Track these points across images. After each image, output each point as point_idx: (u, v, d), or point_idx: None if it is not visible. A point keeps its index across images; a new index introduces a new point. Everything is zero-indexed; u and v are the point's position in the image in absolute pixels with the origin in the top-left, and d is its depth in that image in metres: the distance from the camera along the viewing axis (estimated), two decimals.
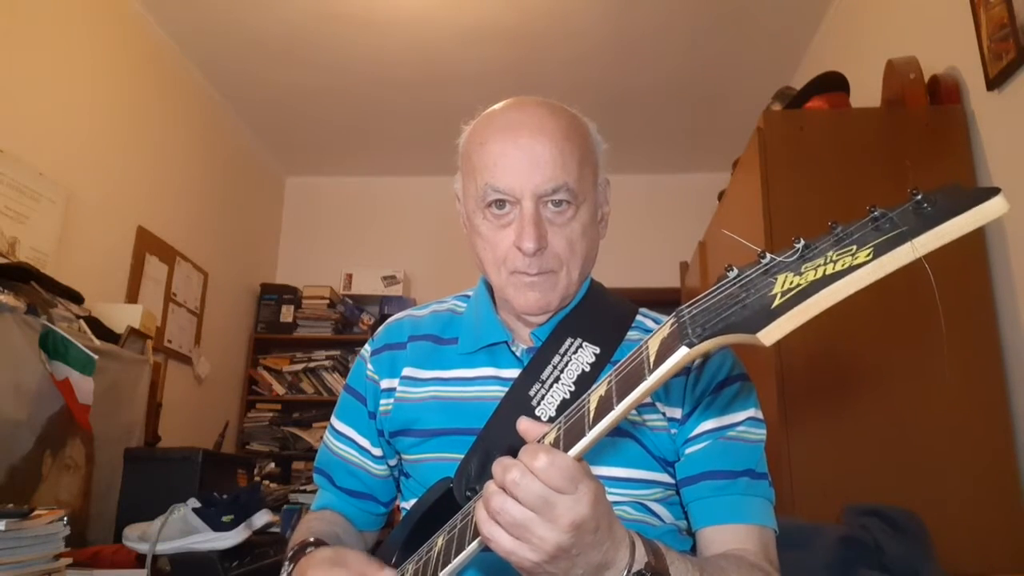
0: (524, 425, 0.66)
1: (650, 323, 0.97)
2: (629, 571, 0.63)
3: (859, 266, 0.46)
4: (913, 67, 2.03)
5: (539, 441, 0.63)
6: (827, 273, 0.47)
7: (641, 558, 0.64)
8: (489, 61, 3.54)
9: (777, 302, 0.48)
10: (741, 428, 0.87)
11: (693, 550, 0.88)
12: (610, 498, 0.84)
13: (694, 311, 0.54)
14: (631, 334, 0.94)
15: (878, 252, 0.46)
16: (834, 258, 0.48)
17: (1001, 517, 1.65)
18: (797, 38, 3.31)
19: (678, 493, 0.88)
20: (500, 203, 0.87)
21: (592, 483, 0.61)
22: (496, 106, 0.94)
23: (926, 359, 1.74)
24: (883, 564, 1.26)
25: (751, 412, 0.89)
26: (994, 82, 1.82)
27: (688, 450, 0.87)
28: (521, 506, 0.59)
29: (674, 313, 0.57)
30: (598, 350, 0.90)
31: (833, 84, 2.19)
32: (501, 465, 0.61)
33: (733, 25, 3.25)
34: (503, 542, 0.61)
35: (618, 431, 0.86)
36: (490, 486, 0.62)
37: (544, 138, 0.86)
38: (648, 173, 4.55)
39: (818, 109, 2.11)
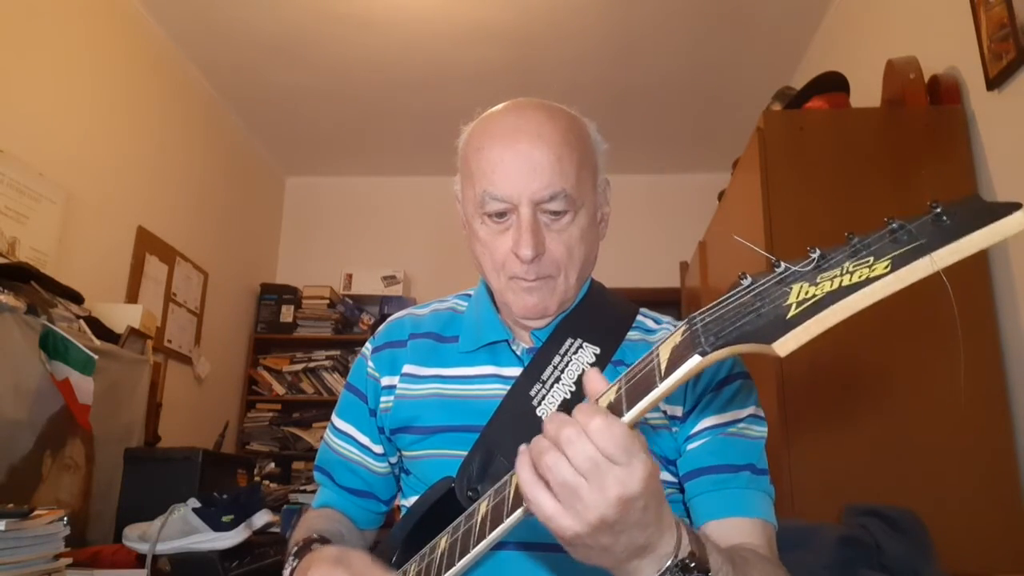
0: (591, 374, 0.62)
1: (650, 323, 0.97)
2: (675, 558, 0.60)
3: (876, 278, 0.45)
4: (913, 67, 2.03)
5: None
6: (843, 284, 0.46)
7: (686, 547, 0.61)
8: (489, 61, 3.54)
9: (792, 312, 0.47)
10: (742, 424, 0.88)
11: None
12: None
13: (707, 319, 0.53)
14: (631, 334, 0.94)
15: (896, 265, 0.45)
16: (850, 269, 0.47)
17: (1001, 517, 1.65)
18: (797, 38, 3.31)
19: (680, 491, 0.88)
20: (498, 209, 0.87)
21: (648, 458, 0.57)
22: (494, 109, 0.94)
23: (926, 359, 1.74)
24: (883, 564, 1.26)
25: (752, 409, 0.89)
26: (994, 82, 1.82)
27: (689, 447, 0.87)
28: (572, 467, 0.56)
29: (686, 320, 0.56)
30: (598, 350, 0.90)
31: (833, 84, 2.19)
32: (556, 421, 0.57)
33: (733, 25, 3.25)
34: (545, 505, 0.57)
35: None
36: (540, 441, 0.58)
37: (542, 144, 0.86)
38: (648, 173, 4.55)
39: (818, 109, 2.11)
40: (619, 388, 0.59)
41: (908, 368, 1.75)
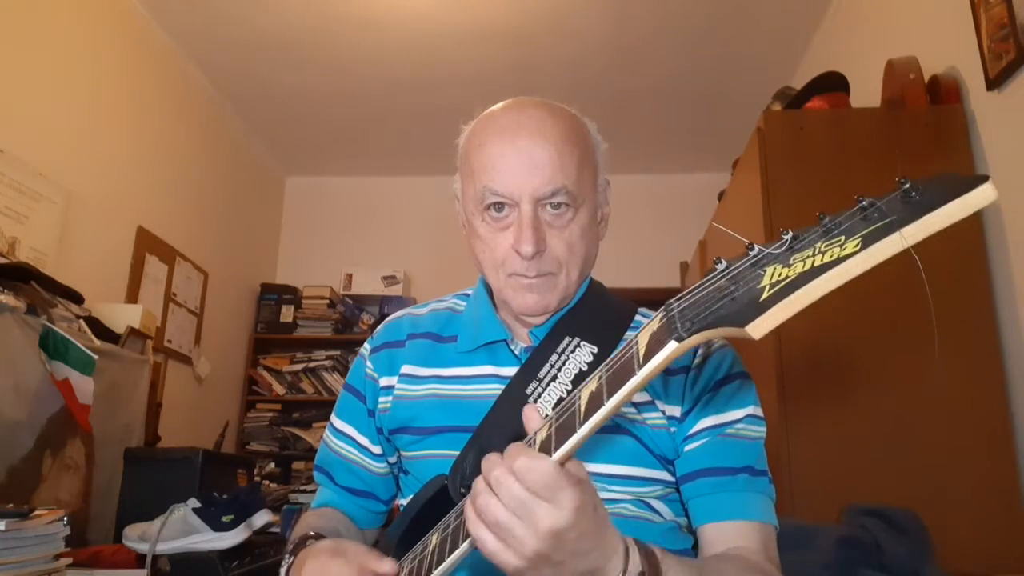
0: (528, 412, 0.65)
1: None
2: None
3: (847, 257, 0.45)
4: (913, 67, 2.03)
5: (532, 437, 0.63)
6: (815, 264, 0.46)
7: (635, 567, 0.63)
8: (489, 61, 3.54)
9: (766, 294, 0.47)
10: (740, 425, 0.87)
11: (694, 547, 0.88)
12: (610, 495, 0.84)
13: (683, 305, 0.53)
14: (629, 333, 0.94)
15: (866, 242, 0.45)
16: (822, 249, 0.47)
17: (1001, 517, 1.65)
18: (797, 38, 3.30)
19: (678, 491, 0.88)
20: (498, 206, 0.87)
21: (574, 491, 0.58)
22: (495, 107, 0.94)
23: (926, 358, 1.74)
24: (883, 564, 1.25)
25: (750, 410, 0.89)
26: (994, 82, 1.82)
27: (687, 447, 0.87)
28: (503, 507, 0.59)
29: (663, 307, 0.56)
30: (596, 349, 0.90)
31: (833, 84, 2.19)
32: (488, 462, 0.61)
33: (733, 25, 3.25)
34: (487, 543, 0.60)
35: (618, 429, 0.86)
36: (478, 483, 0.62)
37: (543, 140, 0.86)
38: (648, 173, 4.55)
39: (818, 109, 2.11)
40: (600, 377, 0.59)
41: (909, 368, 1.75)
